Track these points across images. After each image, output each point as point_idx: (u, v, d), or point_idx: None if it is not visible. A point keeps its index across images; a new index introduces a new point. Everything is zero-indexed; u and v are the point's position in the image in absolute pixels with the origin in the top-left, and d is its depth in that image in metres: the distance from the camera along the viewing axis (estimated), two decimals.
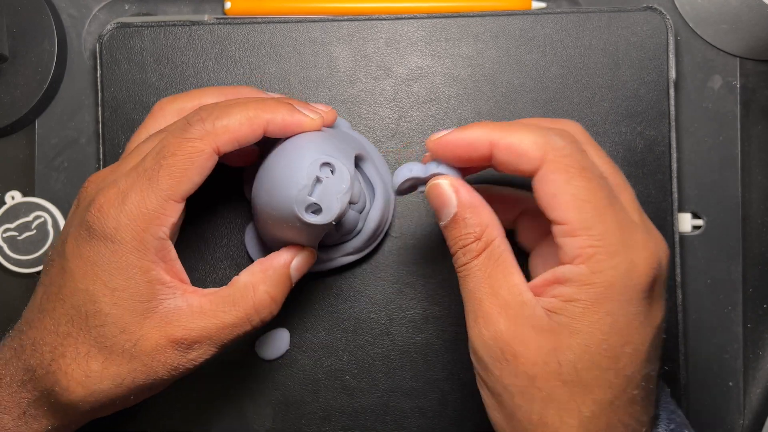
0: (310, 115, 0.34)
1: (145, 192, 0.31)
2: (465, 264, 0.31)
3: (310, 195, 0.32)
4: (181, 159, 0.31)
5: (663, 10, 0.42)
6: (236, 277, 0.34)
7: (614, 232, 0.28)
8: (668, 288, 0.42)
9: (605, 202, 0.29)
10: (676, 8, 0.44)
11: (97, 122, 0.42)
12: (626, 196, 0.31)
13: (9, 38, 0.43)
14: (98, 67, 0.42)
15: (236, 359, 0.42)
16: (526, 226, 0.36)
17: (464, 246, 0.31)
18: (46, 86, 0.43)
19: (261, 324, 0.34)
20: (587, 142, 0.33)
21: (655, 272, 0.29)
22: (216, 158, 0.32)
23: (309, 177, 0.32)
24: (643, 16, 0.42)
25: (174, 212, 0.31)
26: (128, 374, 0.31)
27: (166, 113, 0.36)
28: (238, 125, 0.32)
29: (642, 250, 0.29)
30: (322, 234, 0.35)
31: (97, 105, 0.43)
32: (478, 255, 0.30)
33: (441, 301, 0.42)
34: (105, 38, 0.42)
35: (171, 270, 0.32)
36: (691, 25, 0.44)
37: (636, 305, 0.29)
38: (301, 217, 0.32)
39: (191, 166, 0.31)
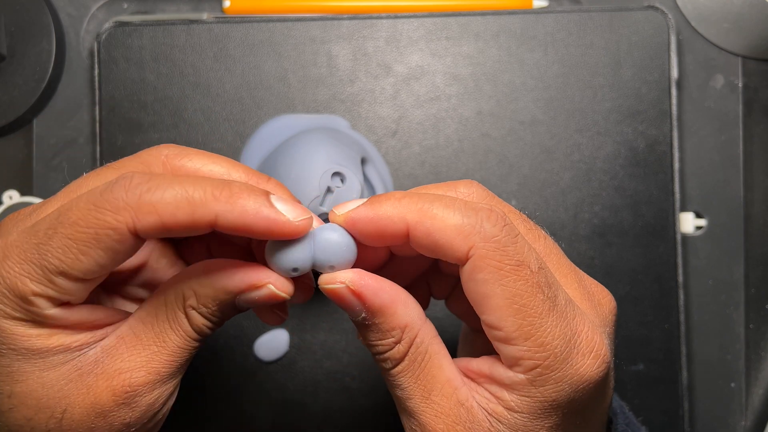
0: (291, 216, 0.25)
1: (28, 260, 0.24)
2: (388, 371, 0.27)
3: (321, 205, 0.32)
4: (82, 232, 0.24)
5: (665, 9, 0.42)
6: (174, 276, 0.27)
7: (557, 340, 0.24)
8: (670, 288, 0.42)
9: (547, 304, 0.24)
10: (678, 7, 0.44)
11: (95, 121, 0.42)
12: (555, 261, 0.27)
13: (7, 37, 0.43)
14: (96, 66, 0.42)
15: (235, 361, 0.41)
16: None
17: (382, 353, 0.26)
18: (44, 85, 0.43)
19: (202, 343, 0.27)
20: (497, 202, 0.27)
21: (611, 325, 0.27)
22: (133, 241, 0.24)
23: (321, 188, 0.32)
24: (644, 14, 0.42)
25: (69, 290, 0.25)
26: None
27: (151, 163, 0.27)
28: (172, 208, 0.24)
29: (597, 315, 0.26)
30: None
31: (95, 104, 0.42)
32: (401, 360, 0.26)
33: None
34: (103, 37, 0.42)
35: (84, 327, 0.26)
36: (693, 24, 0.44)
37: (586, 407, 0.26)
38: None
39: (95, 245, 0.24)
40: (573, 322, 0.25)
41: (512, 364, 0.25)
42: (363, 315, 0.26)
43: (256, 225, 0.24)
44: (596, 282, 0.28)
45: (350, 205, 0.26)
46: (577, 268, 0.28)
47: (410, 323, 0.26)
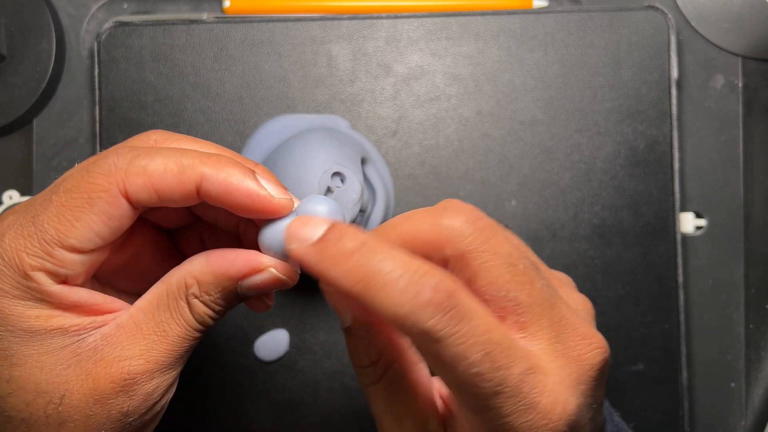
0: (274, 192, 0.25)
1: (25, 234, 0.25)
2: (365, 386, 0.27)
3: None
4: (76, 197, 0.24)
5: (665, 9, 0.42)
6: (176, 268, 0.27)
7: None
8: (670, 288, 0.42)
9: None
10: (678, 7, 0.44)
11: (95, 121, 0.42)
12: (538, 311, 0.25)
13: (7, 37, 0.43)
14: (96, 66, 0.42)
15: (235, 361, 0.41)
16: None
17: (360, 367, 0.26)
18: (44, 85, 0.43)
19: (203, 334, 0.27)
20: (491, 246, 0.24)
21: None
22: (126, 206, 0.25)
23: (321, 188, 0.32)
24: (644, 14, 0.42)
25: (66, 262, 0.25)
26: None
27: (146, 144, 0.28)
28: (161, 170, 0.25)
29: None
30: None
31: (95, 104, 0.42)
32: (378, 381, 0.26)
33: None
34: (103, 37, 0.42)
35: (83, 311, 0.26)
36: (693, 24, 0.44)
37: None
38: None
39: (88, 209, 0.24)
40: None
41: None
42: (349, 324, 0.26)
43: (239, 195, 0.25)
44: (586, 332, 0.25)
45: (308, 232, 0.23)
46: (567, 314, 0.25)
47: (389, 348, 0.26)
